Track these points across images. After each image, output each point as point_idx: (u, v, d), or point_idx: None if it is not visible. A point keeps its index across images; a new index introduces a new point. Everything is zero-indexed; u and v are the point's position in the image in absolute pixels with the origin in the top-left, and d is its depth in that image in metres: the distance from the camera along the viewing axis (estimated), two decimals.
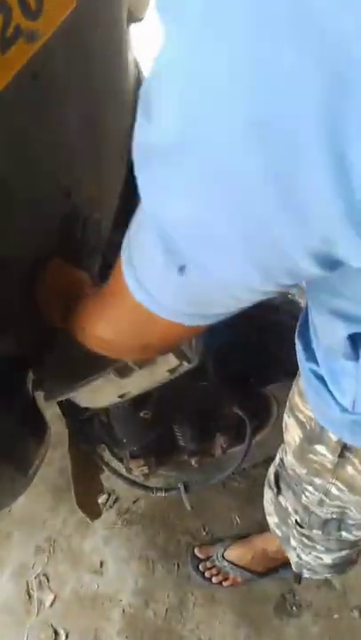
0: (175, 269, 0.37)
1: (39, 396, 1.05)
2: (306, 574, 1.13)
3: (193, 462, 1.27)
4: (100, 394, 0.84)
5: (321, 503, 0.84)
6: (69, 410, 1.11)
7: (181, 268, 0.37)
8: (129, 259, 0.45)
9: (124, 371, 0.78)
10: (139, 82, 1.09)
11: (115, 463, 1.27)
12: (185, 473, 1.31)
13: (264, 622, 1.32)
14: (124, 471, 1.25)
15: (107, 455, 1.27)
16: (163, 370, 0.78)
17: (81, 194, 0.85)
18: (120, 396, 0.85)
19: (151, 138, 0.31)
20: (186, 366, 0.74)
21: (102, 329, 0.59)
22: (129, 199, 1.16)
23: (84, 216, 0.85)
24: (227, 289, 0.39)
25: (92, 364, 0.78)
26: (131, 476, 1.25)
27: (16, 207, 0.70)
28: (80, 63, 0.76)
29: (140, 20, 1.04)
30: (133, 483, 1.25)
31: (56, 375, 0.89)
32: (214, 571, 1.37)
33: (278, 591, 1.36)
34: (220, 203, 0.30)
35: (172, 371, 0.77)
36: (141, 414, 1.05)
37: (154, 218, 0.36)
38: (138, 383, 0.81)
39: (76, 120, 0.78)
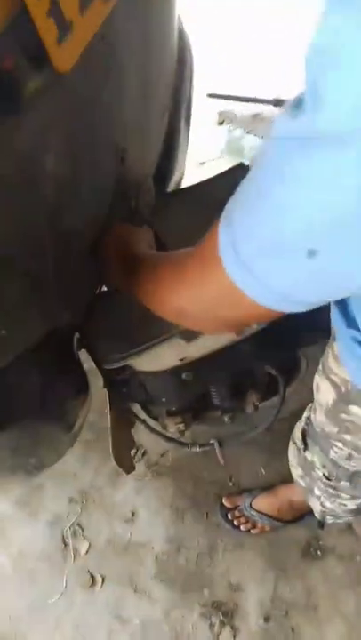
0: (304, 253, 0.38)
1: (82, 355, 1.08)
2: (329, 520, 1.20)
3: (226, 419, 1.31)
4: (161, 358, 0.85)
5: (350, 457, 0.89)
6: (107, 370, 1.13)
7: (312, 253, 0.38)
8: (232, 236, 0.45)
9: (190, 335, 0.78)
10: (180, 36, 1.05)
11: (149, 420, 1.30)
12: (217, 428, 1.36)
13: (290, 566, 1.40)
14: (159, 428, 1.28)
15: (141, 413, 1.30)
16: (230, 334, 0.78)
17: (133, 157, 0.84)
18: (181, 360, 0.86)
19: (319, 124, 0.31)
20: (254, 328, 0.75)
21: (178, 296, 0.58)
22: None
23: (138, 183, 0.84)
24: (353, 278, 0.40)
25: (154, 329, 0.79)
26: (166, 432, 1.29)
27: (78, 170, 0.69)
28: (139, 23, 0.73)
29: None
30: (170, 439, 1.29)
31: (114, 341, 0.90)
32: (243, 519, 1.44)
33: (303, 537, 1.44)
34: None
35: (239, 333, 0.77)
36: (183, 376, 1.08)
37: (296, 205, 0.36)
38: (202, 347, 0.82)
39: (134, 81, 0.76)
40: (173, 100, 1.08)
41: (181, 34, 1.09)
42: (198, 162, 2.18)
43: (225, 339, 0.79)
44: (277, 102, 2.08)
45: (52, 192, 0.61)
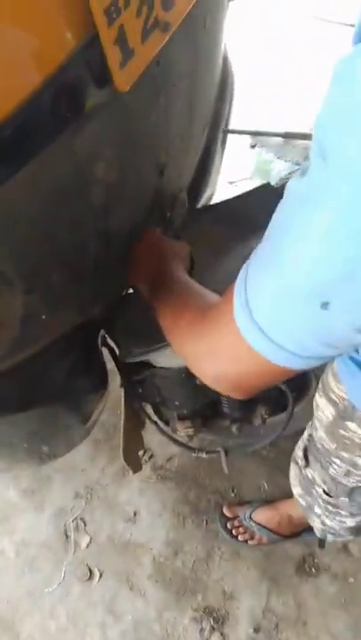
0: (318, 304, 0.40)
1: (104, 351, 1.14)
2: (330, 538, 1.23)
3: (234, 429, 1.35)
4: (178, 357, 0.90)
5: (348, 474, 0.93)
6: (126, 368, 1.19)
7: (325, 304, 0.40)
8: (245, 296, 0.46)
9: None
10: (224, 60, 1.13)
11: (160, 422, 1.35)
12: (224, 437, 1.40)
13: (284, 579, 1.43)
14: (169, 431, 1.33)
15: (153, 414, 1.35)
16: None
17: (171, 171, 0.91)
18: None
19: (321, 180, 0.36)
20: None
21: (194, 348, 0.57)
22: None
23: (174, 195, 0.91)
24: None
25: None
26: (175, 435, 1.33)
27: (123, 178, 0.75)
28: (190, 50, 0.80)
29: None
30: (178, 442, 1.34)
31: (136, 337, 0.95)
32: (241, 529, 1.48)
33: (300, 553, 1.47)
34: None
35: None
36: (197, 381, 1.13)
37: (304, 258, 0.39)
38: None
39: (181, 102, 0.83)
40: (213, 120, 1.15)
41: (225, 60, 1.17)
42: (228, 181, 2.25)
43: None
44: (287, 135, 2.15)
45: (99, 196, 0.68)
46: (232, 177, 2.25)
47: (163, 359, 0.96)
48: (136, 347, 0.96)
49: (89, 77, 0.58)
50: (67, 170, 0.59)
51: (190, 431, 1.30)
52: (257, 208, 1.13)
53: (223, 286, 0.54)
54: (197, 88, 0.88)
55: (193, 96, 0.87)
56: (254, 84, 2.49)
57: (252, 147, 2.38)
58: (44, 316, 0.68)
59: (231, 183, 2.23)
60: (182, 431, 1.30)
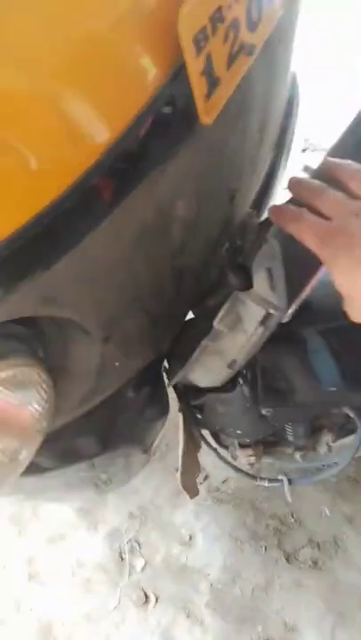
0: None
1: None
2: None
3: (298, 456, 1.29)
4: (209, 369, 0.85)
5: None
6: (185, 394, 1.14)
7: None
8: None
9: (215, 336, 0.76)
10: (292, 76, 1.06)
11: (219, 449, 1.30)
12: (288, 464, 1.34)
13: (350, 613, 1.36)
14: (229, 457, 1.28)
15: (212, 441, 1.31)
16: (252, 325, 0.75)
17: (241, 196, 0.85)
18: (229, 366, 0.84)
19: None
20: (276, 315, 0.70)
21: None
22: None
23: (243, 221, 0.85)
24: None
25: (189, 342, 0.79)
26: (235, 462, 1.28)
27: (199, 212, 0.71)
28: (265, 70, 0.74)
29: None
30: (238, 470, 1.29)
31: (179, 358, 0.91)
32: None
33: None
34: None
35: (262, 323, 0.73)
36: (263, 412, 1.07)
37: None
38: (236, 346, 0.79)
39: (255, 124, 0.77)
40: (279, 137, 1.09)
41: (292, 76, 1.10)
42: (282, 187, 2.17)
43: (252, 332, 0.75)
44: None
45: (177, 234, 0.63)
46: (285, 182, 2.17)
47: (202, 377, 0.91)
48: (177, 367, 0.91)
49: (174, 110, 0.53)
50: (149, 214, 0.54)
51: (252, 459, 1.24)
52: None
53: None
54: (270, 107, 0.83)
55: (266, 116, 0.82)
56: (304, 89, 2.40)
57: (303, 151, 2.29)
58: (117, 363, 0.64)
59: (285, 189, 2.15)
60: (243, 459, 1.25)
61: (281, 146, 1.10)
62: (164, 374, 1.10)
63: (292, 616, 1.38)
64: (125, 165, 0.48)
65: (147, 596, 1.46)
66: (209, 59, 0.53)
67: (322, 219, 0.56)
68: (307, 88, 2.41)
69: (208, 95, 0.54)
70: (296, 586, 1.42)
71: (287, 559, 1.45)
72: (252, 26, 0.59)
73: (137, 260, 0.56)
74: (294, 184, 0.63)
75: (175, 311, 0.80)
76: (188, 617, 1.41)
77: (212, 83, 0.54)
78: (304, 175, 0.66)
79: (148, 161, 0.50)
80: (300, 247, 0.56)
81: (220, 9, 0.52)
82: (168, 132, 0.53)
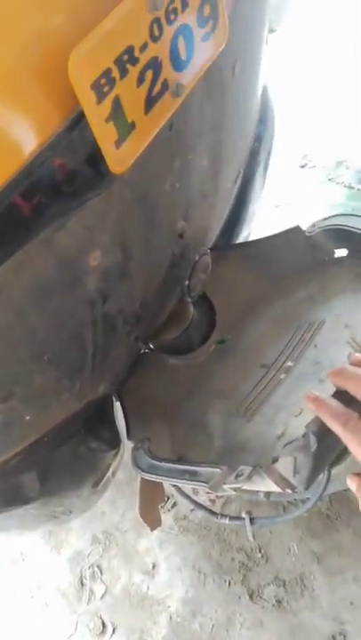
0: None
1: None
2: None
3: (261, 495, 1.23)
4: None
5: None
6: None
7: None
8: None
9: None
10: (263, 95, 1.01)
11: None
12: (250, 500, 1.29)
13: None
14: (190, 492, 1.23)
15: None
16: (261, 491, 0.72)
17: (193, 232, 0.80)
18: None
19: None
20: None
21: None
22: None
23: (193, 260, 0.80)
24: None
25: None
26: (196, 498, 1.23)
27: (128, 258, 0.66)
28: (216, 100, 0.69)
29: (274, 31, 0.95)
30: (199, 505, 1.24)
31: (144, 417, 0.87)
32: None
33: (329, 631, 1.33)
34: None
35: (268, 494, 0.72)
36: None
37: None
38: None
39: (204, 159, 0.72)
40: (251, 157, 1.03)
41: (264, 91, 1.04)
42: (274, 204, 2.12)
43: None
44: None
45: (95, 284, 0.58)
46: (277, 199, 2.11)
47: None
48: (136, 422, 0.87)
49: (76, 162, 0.49)
50: (49, 268, 0.50)
51: (213, 495, 1.19)
52: (285, 254, 1.02)
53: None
54: (225, 140, 0.77)
55: (218, 150, 0.76)
56: (305, 106, 2.33)
57: (302, 167, 2.23)
58: (27, 417, 0.60)
59: (277, 207, 2.09)
60: (204, 495, 1.20)
61: (252, 169, 1.04)
62: (117, 403, 1.06)
63: None
64: (13, 215, 0.44)
65: (104, 625, 1.42)
66: (117, 104, 0.48)
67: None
68: (305, 103, 2.34)
69: (118, 143, 0.49)
70: (258, 625, 1.37)
71: (251, 596, 1.40)
72: (181, 64, 0.54)
73: (37, 316, 0.52)
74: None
75: (113, 356, 0.75)
76: None
77: (124, 129, 0.50)
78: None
79: (39, 219, 0.45)
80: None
81: (130, 49, 0.47)
82: (68, 184, 0.48)
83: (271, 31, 0.93)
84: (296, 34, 2.25)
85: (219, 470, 0.67)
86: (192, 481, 0.71)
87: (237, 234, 1.19)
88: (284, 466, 0.62)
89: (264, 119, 1.01)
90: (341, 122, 2.23)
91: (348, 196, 2.07)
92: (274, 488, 0.64)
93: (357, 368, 0.60)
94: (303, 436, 0.62)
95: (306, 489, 0.61)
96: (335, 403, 0.58)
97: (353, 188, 2.05)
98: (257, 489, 0.69)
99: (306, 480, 0.61)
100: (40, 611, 1.45)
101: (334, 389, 0.61)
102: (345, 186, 2.07)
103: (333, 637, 1.32)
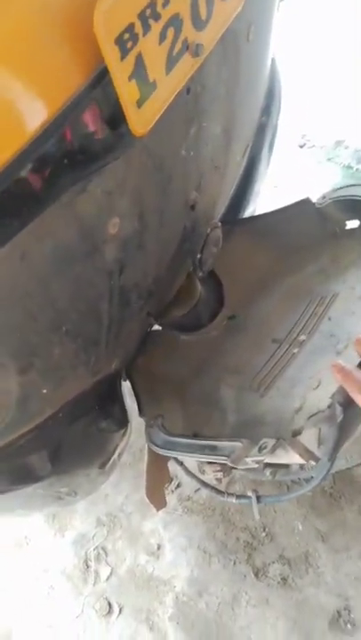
0: None
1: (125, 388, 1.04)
2: None
3: (268, 473, 1.23)
4: None
5: None
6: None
7: None
8: None
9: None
10: (272, 68, 0.99)
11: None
12: (254, 480, 1.29)
13: (317, 635, 1.31)
14: (196, 471, 1.23)
15: None
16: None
17: (204, 204, 0.79)
18: None
19: None
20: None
21: None
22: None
23: (205, 233, 0.79)
24: None
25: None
26: (203, 476, 1.23)
27: (144, 228, 0.64)
28: (231, 64, 0.67)
29: None
30: (206, 484, 1.23)
31: (152, 393, 0.86)
32: None
33: (334, 606, 1.34)
34: None
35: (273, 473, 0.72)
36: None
37: None
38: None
39: (218, 127, 0.71)
40: (258, 131, 1.01)
41: (273, 64, 1.02)
42: (273, 185, 2.10)
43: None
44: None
45: (114, 254, 0.57)
46: (277, 179, 2.09)
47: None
48: (148, 400, 0.86)
49: (99, 123, 0.47)
50: (69, 236, 0.48)
51: (219, 474, 1.19)
52: (295, 227, 1.00)
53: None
54: (237, 109, 0.76)
55: (231, 118, 0.75)
56: (304, 85, 2.31)
57: (301, 147, 2.21)
58: (45, 391, 0.58)
59: (276, 187, 2.08)
60: (211, 473, 1.19)
61: (259, 143, 1.03)
62: (128, 383, 1.05)
63: (258, 634, 1.33)
64: (31, 185, 0.42)
65: (110, 606, 1.42)
66: (140, 61, 0.46)
67: None
68: (303, 82, 2.31)
69: (140, 103, 0.48)
70: (263, 603, 1.38)
71: (256, 575, 1.41)
72: (200, 23, 0.52)
73: (56, 285, 0.50)
74: None
75: (126, 331, 0.74)
76: (151, 630, 1.37)
77: (146, 88, 0.48)
78: None
79: (61, 181, 0.44)
80: None
81: (153, 3, 0.45)
82: (89, 145, 0.46)
83: None
84: (296, 11, 2.22)
85: (240, 444, 0.66)
86: (213, 455, 0.70)
87: (243, 210, 1.18)
88: (309, 438, 0.61)
89: (272, 91, 0.99)
90: (340, 101, 2.21)
91: (347, 175, 2.06)
92: (297, 460, 0.64)
93: None
94: (329, 406, 0.61)
95: (330, 460, 0.61)
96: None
97: (352, 167, 2.04)
98: (279, 462, 0.69)
99: (331, 451, 0.60)
100: (46, 594, 1.45)
101: (359, 360, 0.60)
102: (344, 166, 2.05)
103: (338, 612, 1.33)
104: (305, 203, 0.93)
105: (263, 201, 1.57)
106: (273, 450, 0.63)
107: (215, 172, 0.79)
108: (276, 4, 0.79)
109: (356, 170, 2.05)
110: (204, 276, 0.85)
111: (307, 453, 0.62)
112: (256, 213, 1.31)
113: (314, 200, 0.92)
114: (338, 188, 0.88)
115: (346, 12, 2.38)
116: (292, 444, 0.62)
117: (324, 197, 0.89)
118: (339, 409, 0.60)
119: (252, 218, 1.08)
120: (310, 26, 2.43)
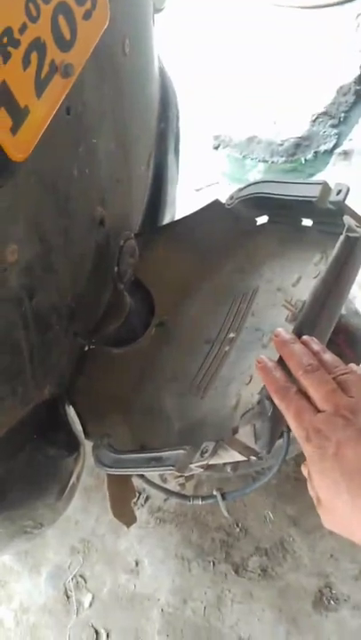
0: None
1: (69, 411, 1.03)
2: None
3: (228, 469, 1.25)
4: None
5: None
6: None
7: None
8: None
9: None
10: (161, 76, 1.01)
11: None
12: (220, 478, 1.30)
13: (303, 618, 1.33)
14: (158, 480, 1.23)
15: None
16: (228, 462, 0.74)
17: (114, 218, 0.79)
18: None
19: None
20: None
21: None
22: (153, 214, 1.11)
23: (119, 244, 0.80)
24: None
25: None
26: (165, 485, 1.23)
27: (48, 249, 0.64)
28: (110, 79, 0.69)
29: (160, 10, 0.96)
30: (170, 492, 1.24)
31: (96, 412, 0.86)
32: None
33: (315, 585, 1.37)
34: None
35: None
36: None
37: None
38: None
39: (110, 141, 0.72)
40: (159, 138, 1.03)
41: (162, 73, 1.05)
42: (195, 188, 2.13)
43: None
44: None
45: (18, 280, 0.56)
46: (198, 183, 2.14)
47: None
48: (91, 418, 0.86)
49: None
50: None
51: (181, 479, 1.19)
52: (210, 229, 1.03)
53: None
54: (128, 121, 0.77)
55: (123, 132, 0.76)
56: (212, 83, 2.37)
57: (215, 148, 2.26)
58: None
59: (198, 190, 2.12)
60: (172, 481, 1.20)
61: (162, 151, 1.05)
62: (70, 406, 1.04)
63: (247, 629, 1.34)
64: None
65: (97, 633, 1.40)
66: (5, 89, 0.46)
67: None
68: (211, 83, 2.37)
69: (14, 130, 0.48)
70: (248, 597, 1.39)
71: (236, 571, 1.42)
72: (65, 44, 0.53)
73: None
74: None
75: (51, 355, 0.73)
76: None
77: (18, 115, 0.48)
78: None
79: None
80: None
81: (8, 31, 0.46)
82: None
83: (157, 10, 0.93)
84: (183, 15, 2.28)
85: (183, 451, 0.67)
86: (159, 467, 0.70)
87: (160, 218, 1.19)
88: (245, 434, 0.63)
89: (166, 98, 1.02)
90: (244, 99, 2.28)
91: (265, 169, 2.12)
92: (239, 457, 0.65)
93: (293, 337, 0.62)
94: (258, 402, 0.63)
95: (268, 452, 0.63)
96: (279, 373, 0.59)
97: (267, 161, 2.10)
98: (223, 462, 0.70)
99: (267, 444, 0.62)
100: (28, 634, 1.41)
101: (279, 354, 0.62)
102: (259, 160, 2.11)
103: (320, 591, 1.36)
104: (216, 204, 0.95)
105: (187, 206, 1.60)
106: (214, 452, 0.64)
107: (119, 186, 0.80)
108: (151, 15, 0.81)
109: (272, 162, 2.12)
110: (125, 287, 0.85)
111: (246, 450, 0.64)
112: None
113: (223, 201, 0.94)
114: (242, 188, 0.90)
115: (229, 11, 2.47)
116: (231, 443, 0.64)
117: (231, 198, 0.92)
118: (267, 402, 0.61)
119: (169, 225, 1.10)
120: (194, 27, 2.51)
